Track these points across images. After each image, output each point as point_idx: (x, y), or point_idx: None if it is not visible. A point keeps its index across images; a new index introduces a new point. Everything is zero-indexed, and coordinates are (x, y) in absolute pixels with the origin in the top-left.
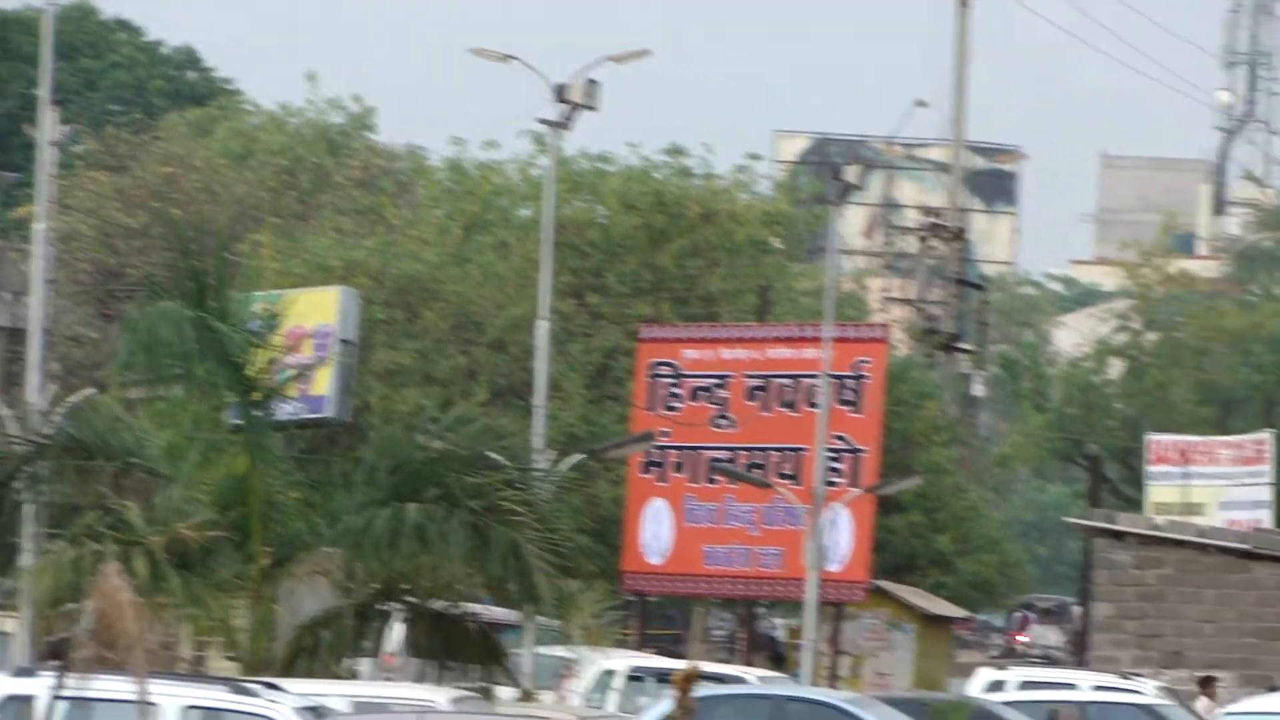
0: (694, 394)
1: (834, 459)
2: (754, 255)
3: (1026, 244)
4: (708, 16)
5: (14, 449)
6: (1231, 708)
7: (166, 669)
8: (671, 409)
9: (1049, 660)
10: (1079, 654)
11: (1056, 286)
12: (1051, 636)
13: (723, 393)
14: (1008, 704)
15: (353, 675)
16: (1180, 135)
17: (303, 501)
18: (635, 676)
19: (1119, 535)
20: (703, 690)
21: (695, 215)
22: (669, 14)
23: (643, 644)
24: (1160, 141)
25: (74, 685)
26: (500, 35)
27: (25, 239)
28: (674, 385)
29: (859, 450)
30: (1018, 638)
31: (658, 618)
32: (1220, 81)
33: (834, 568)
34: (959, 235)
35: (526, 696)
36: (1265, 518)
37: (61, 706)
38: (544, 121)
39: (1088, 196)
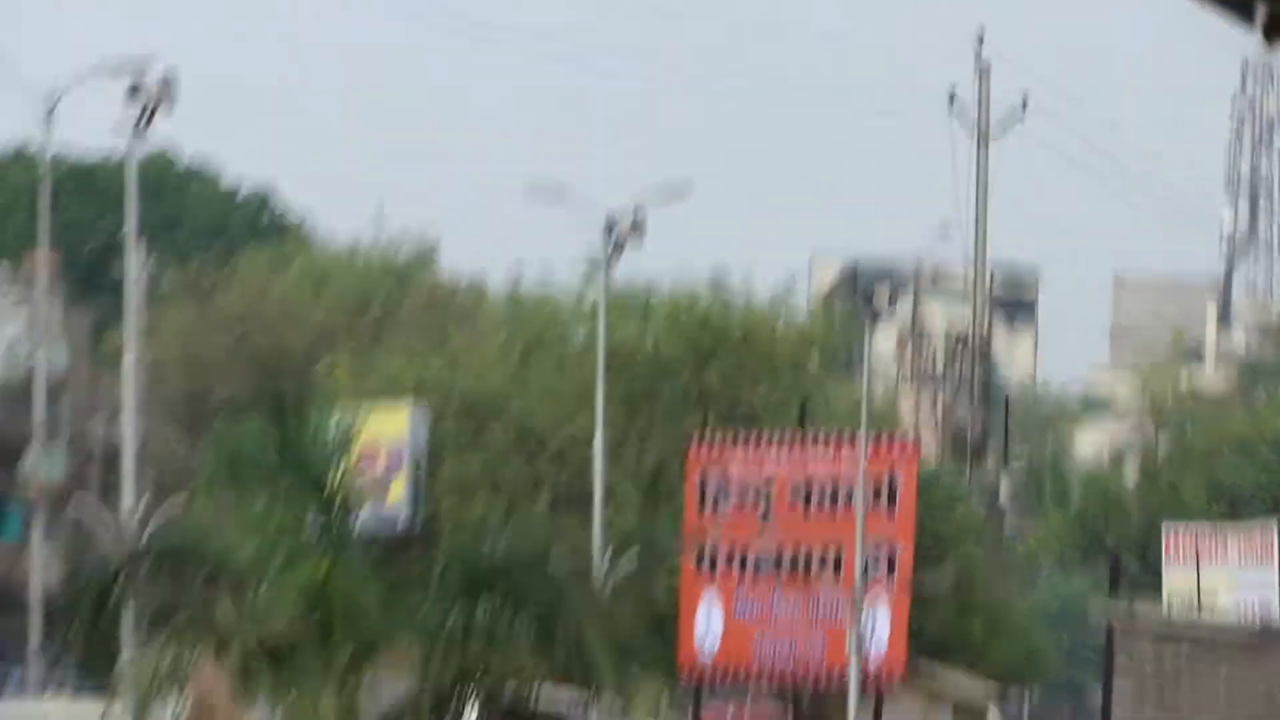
0: (742, 500)
1: (873, 557)
2: (793, 373)
3: (1046, 356)
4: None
5: (114, 556)
6: None
7: None
8: (720, 512)
9: None
10: None
11: (1075, 398)
12: None
13: (768, 496)
14: None
15: None
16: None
17: (381, 601)
18: None
19: (1138, 624)
20: None
21: (737, 338)
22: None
23: None
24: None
25: None
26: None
27: (117, 366)
28: (722, 492)
29: (895, 548)
30: None
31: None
32: (1224, 205)
33: (874, 654)
34: (984, 352)
35: None
36: (1273, 599)
37: None
38: (596, 253)
39: (1103, 312)
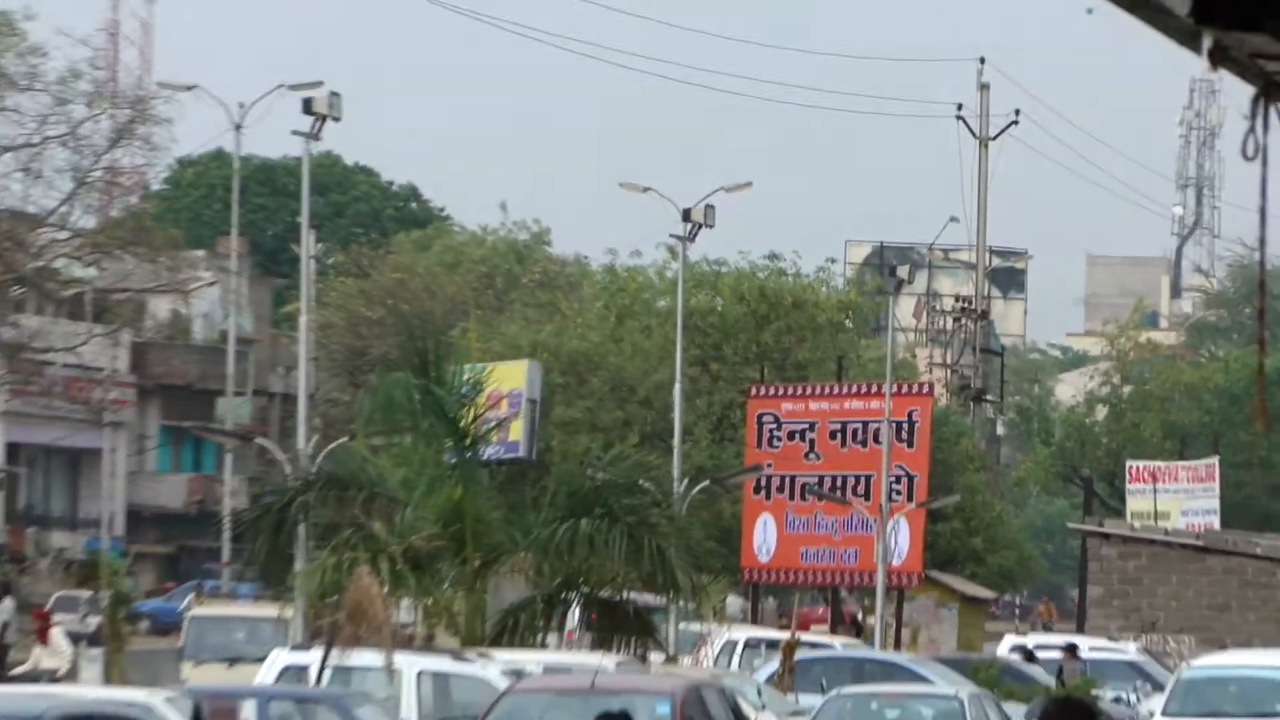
0: (790, 436)
1: (895, 482)
2: (832, 333)
3: (1033, 320)
4: (794, 149)
5: (290, 484)
6: (1194, 663)
7: (404, 644)
8: (774, 447)
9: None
10: (1079, 627)
11: (1056, 353)
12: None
13: (811, 434)
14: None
15: (543, 647)
16: (1146, 238)
17: (503, 519)
18: (751, 645)
19: (1106, 536)
20: (801, 655)
21: (788, 305)
22: (765, 150)
23: (755, 621)
24: (1132, 242)
25: (336, 658)
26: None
27: (293, 329)
28: (775, 429)
29: (913, 476)
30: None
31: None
32: (1176, 198)
33: (896, 562)
34: (984, 315)
35: (670, 661)
36: (1214, 521)
37: (327, 674)
38: (675, 236)
39: (1078, 284)
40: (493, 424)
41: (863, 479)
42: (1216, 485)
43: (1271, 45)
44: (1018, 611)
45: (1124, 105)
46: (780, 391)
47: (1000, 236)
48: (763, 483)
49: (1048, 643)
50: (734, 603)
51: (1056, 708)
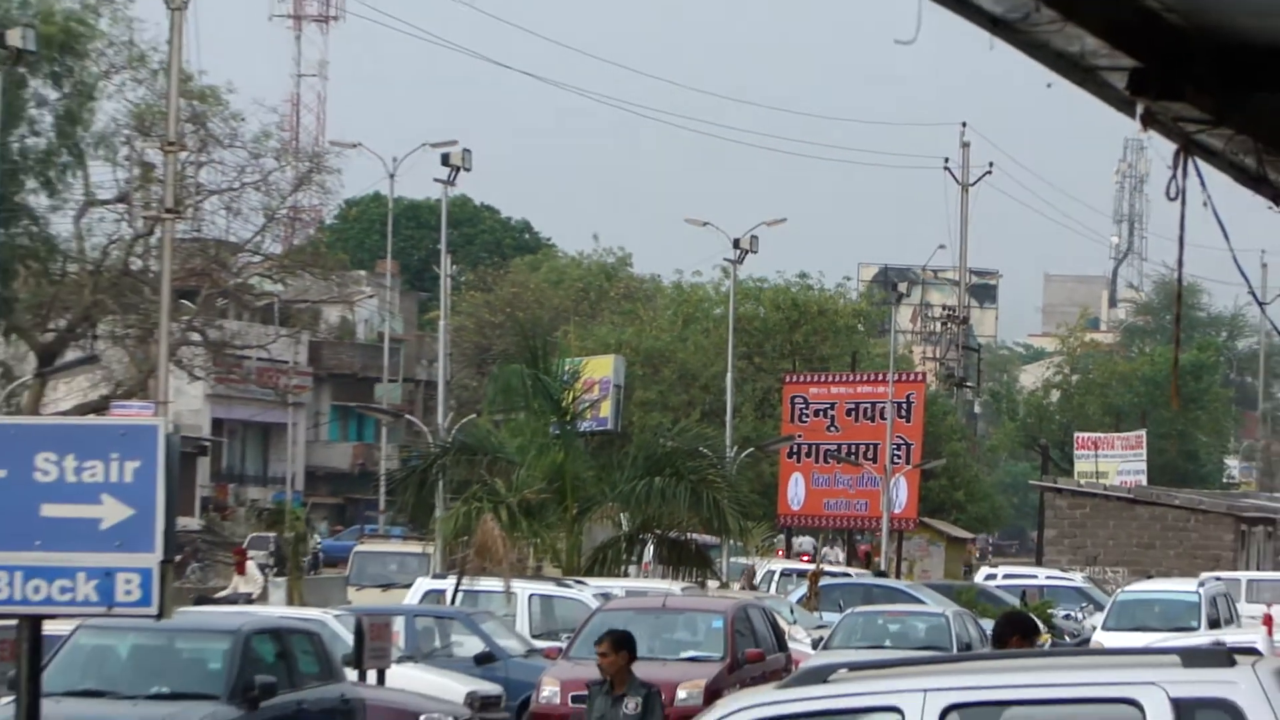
0: (815, 413)
1: (895, 449)
2: (848, 335)
3: (1002, 325)
4: (816, 195)
5: (430, 451)
6: (1126, 589)
7: (519, 574)
8: (803, 422)
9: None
10: (1037, 561)
11: (1020, 350)
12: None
13: (831, 412)
14: (998, 587)
15: (625, 575)
16: (1090, 260)
17: (595, 477)
18: (786, 574)
19: (1059, 490)
20: (824, 582)
21: (814, 312)
22: (799, 192)
23: (789, 556)
24: (1080, 263)
25: (466, 584)
26: (705, 201)
27: (433, 331)
28: (804, 408)
29: (909, 444)
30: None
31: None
32: (1113, 230)
33: (896, 511)
34: (964, 321)
35: (723, 587)
36: (1142, 479)
37: (459, 596)
38: (727, 260)
39: (1038, 296)
40: (587, 404)
41: (871, 446)
42: (1144, 451)
43: (1190, 111)
44: (990, 549)
45: (1074, 157)
46: (808, 379)
47: (977, 260)
48: (794, 449)
49: (1013, 572)
50: (806, 542)
51: (1005, 619)
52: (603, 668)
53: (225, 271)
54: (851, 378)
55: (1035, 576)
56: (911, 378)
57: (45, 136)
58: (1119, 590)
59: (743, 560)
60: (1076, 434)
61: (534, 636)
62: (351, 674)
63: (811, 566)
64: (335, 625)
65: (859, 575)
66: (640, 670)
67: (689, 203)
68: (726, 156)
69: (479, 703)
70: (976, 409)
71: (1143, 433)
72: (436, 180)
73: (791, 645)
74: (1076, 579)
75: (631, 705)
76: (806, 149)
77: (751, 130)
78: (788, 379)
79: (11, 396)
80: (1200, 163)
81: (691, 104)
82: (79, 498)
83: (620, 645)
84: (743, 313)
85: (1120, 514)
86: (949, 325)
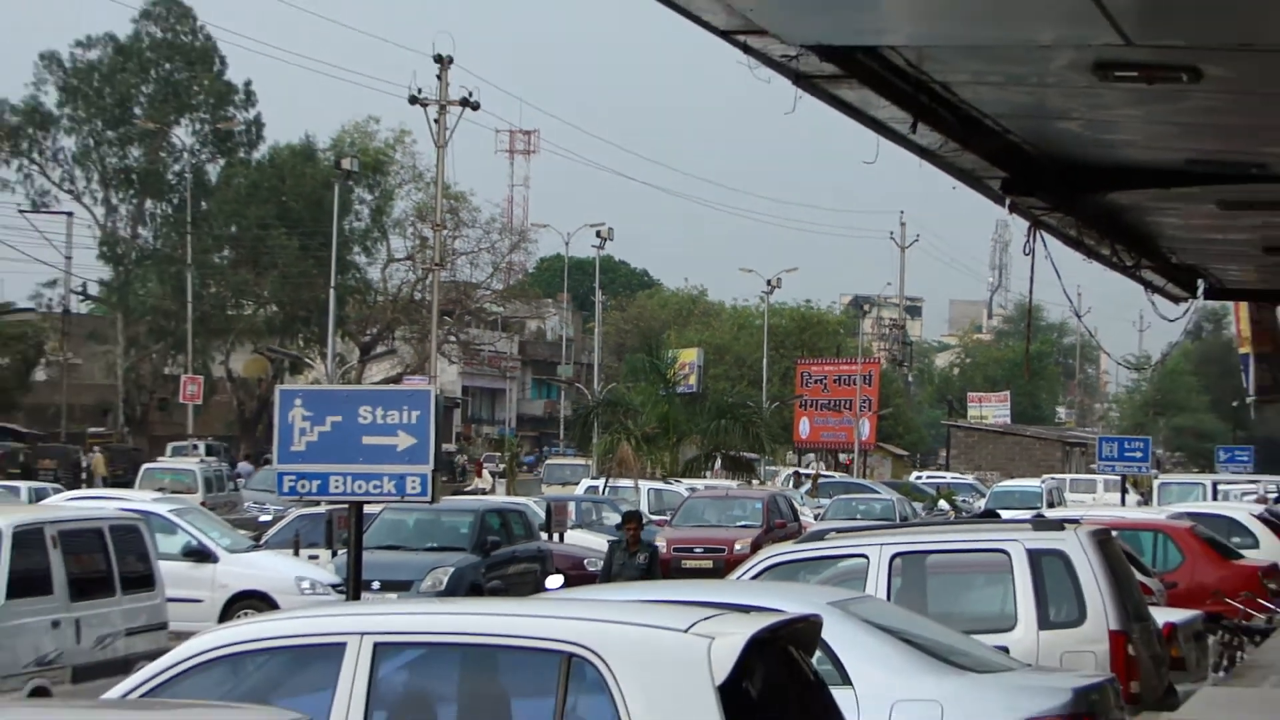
0: (815, 382)
1: (863, 404)
2: (834, 335)
3: (926, 329)
4: (819, 251)
5: (590, 405)
6: (998, 485)
7: (641, 477)
8: (808, 387)
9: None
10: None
11: (937, 344)
12: None
13: (825, 380)
14: (923, 484)
15: (704, 477)
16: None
17: (686, 419)
18: (797, 474)
19: (959, 427)
20: (821, 481)
21: (814, 322)
22: (810, 248)
23: (800, 463)
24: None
25: (611, 483)
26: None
27: (591, 334)
28: (809, 378)
29: (871, 400)
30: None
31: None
32: (990, 274)
33: (863, 438)
34: (903, 328)
35: (761, 484)
36: (1008, 419)
37: (606, 490)
38: (763, 291)
39: (946, 312)
40: (681, 376)
41: (848, 401)
42: (1009, 403)
43: (1038, 203)
44: (918, 461)
45: (971, 228)
46: (810, 362)
47: (912, 289)
48: (804, 403)
49: (934, 476)
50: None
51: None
52: (629, 536)
53: (469, 300)
54: (836, 361)
55: (945, 478)
56: (872, 361)
57: (364, 221)
58: (994, 485)
59: (773, 468)
60: (969, 393)
61: (651, 514)
62: (544, 535)
63: (813, 471)
64: (535, 507)
65: (841, 477)
66: (708, 534)
67: (739, 256)
68: (752, 230)
69: None
70: (909, 379)
71: (1007, 393)
72: (593, 246)
73: (802, 519)
74: (969, 479)
75: (642, 558)
76: (807, 226)
77: (765, 213)
78: (799, 362)
79: (346, 374)
80: (1044, 234)
81: (748, 202)
82: (384, 432)
83: (638, 520)
84: (772, 324)
85: (995, 441)
86: (894, 330)
